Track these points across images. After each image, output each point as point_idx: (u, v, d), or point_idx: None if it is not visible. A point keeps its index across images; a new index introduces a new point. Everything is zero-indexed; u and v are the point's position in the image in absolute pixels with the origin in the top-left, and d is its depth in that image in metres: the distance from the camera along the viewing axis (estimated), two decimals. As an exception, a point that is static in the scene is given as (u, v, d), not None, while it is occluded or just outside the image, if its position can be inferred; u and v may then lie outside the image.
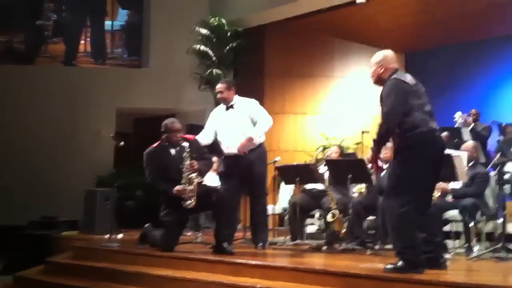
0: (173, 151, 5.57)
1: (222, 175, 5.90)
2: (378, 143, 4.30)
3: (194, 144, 5.60)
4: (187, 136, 5.71)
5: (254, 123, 5.72)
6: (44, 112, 10.42)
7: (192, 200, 5.36)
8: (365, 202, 6.13)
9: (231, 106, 5.81)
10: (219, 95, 5.83)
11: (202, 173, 5.57)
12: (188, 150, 5.41)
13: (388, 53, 4.46)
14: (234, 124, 5.71)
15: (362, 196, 6.32)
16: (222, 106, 5.92)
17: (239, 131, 5.68)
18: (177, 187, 5.37)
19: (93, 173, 9.83)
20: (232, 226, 5.84)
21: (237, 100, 5.85)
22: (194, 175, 5.39)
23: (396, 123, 4.14)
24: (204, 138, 5.85)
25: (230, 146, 5.70)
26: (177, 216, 5.47)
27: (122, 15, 11.62)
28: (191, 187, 5.37)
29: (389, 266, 4.16)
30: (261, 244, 5.74)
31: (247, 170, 5.68)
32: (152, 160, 5.56)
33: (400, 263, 4.13)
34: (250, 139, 5.60)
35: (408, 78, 4.26)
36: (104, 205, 8.11)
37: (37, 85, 10.53)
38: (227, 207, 5.52)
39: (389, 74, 4.38)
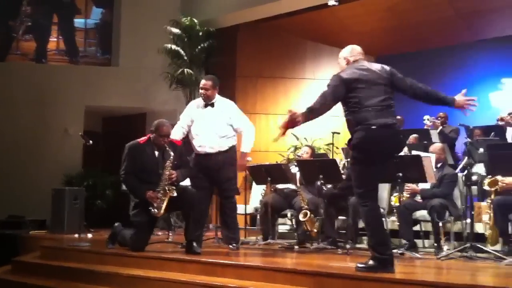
0: (156, 153, 5.46)
1: (192, 173, 5.76)
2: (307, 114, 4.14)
3: (179, 150, 5.50)
4: (175, 140, 5.57)
5: (230, 125, 5.71)
6: (11, 110, 10.22)
7: (160, 210, 5.28)
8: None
9: (212, 104, 5.74)
10: (202, 91, 5.70)
11: (178, 182, 5.48)
12: (172, 159, 5.32)
13: (350, 47, 4.44)
14: (211, 122, 5.66)
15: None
16: (200, 102, 5.81)
17: (215, 130, 5.65)
18: (151, 193, 5.29)
19: (61, 172, 9.69)
20: (202, 226, 5.79)
21: (218, 99, 5.79)
22: (171, 187, 5.31)
23: (318, 112, 4.14)
24: (176, 134, 5.73)
25: (202, 145, 5.65)
26: (147, 216, 5.39)
27: (96, 13, 11.46)
28: (163, 197, 5.29)
29: (360, 265, 4.17)
30: (234, 244, 5.72)
31: (216, 171, 5.65)
32: (132, 155, 5.42)
33: (371, 262, 4.13)
34: (244, 156, 5.83)
35: (355, 75, 4.17)
36: (72, 204, 8.00)
37: (4, 82, 10.32)
38: (197, 206, 5.47)
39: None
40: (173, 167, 5.36)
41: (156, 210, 5.29)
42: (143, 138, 5.53)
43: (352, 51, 4.40)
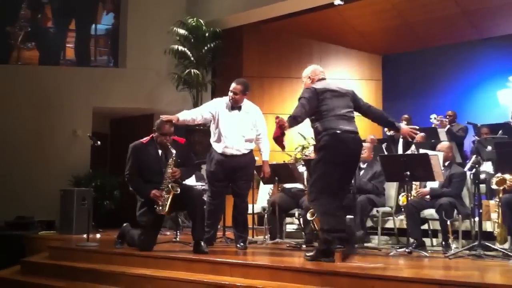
0: (160, 152, 5.47)
1: (213, 174, 5.78)
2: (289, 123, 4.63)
3: (182, 148, 5.51)
4: (178, 138, 5.57)
5: (254, 129, 5.80)
6: (19, 112, 10.26)
7: (165, 208, 5.29)
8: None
9: (239, 108, 5.77)
10: (231, 95, 5.71)
11: (182, 179, 5.49)
12: (174, 157, 5.32)
13: (312, 67, 5.09)
14: (239, 125, 5.70)
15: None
16: (227, 103, 5.78)
17: (242, 133, 5.72)
18: (155, 191, 5.29)
19: (69, 173, 9.71)
20: (216, 226, 5.87)
21: (245, 102, 5.83)
22: (174, 184, 5.32)
23: (300, 119, 4.68)
24: (189, 114, 5.69)
25: (229, 146, 5.66)
26: (153, 215, 5.40)
27: (108, 19, 11.43)
28: (168, 195, 5.29)
29: (307, 254, 4.67)
30: (241, 243, 5.75)
31: (238, 171, 5.70)
32: (136, 155, 5.43)
33: (312, 253, 4.66)
34: (267, 164, 5.99)
35: (325, 87, 4.78)
36: (81, 205, 8.04)
37: (12, 85, 10.37)
38: (201, 206, 5.49)
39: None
40: (176, 165, 5.36)
41: (161, 208, 5.29)
42: (146, 138, 5.54)
43: (315, 70, 5.03)
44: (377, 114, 5.02)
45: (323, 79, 4.97)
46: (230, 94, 5.73)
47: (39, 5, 11.25)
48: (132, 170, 5.43)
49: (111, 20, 11.34)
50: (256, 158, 6.63)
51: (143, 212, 5.43)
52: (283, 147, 4.77)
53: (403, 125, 5.15)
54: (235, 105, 5.76)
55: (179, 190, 5.28)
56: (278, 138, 4.68)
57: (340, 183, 4.75)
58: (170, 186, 5.29)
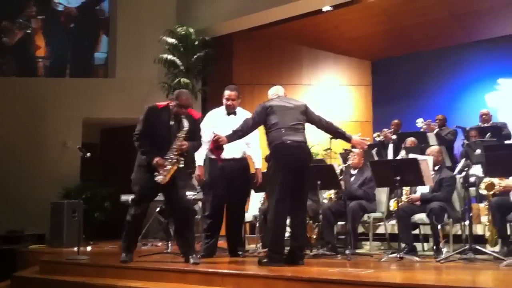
0: (172, 121, 5.37)
1: (212, 180, 5.78)
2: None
3: (194, 122, 5.39)
4: (193, 113, 5.47)
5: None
6: (8, 123, 10.21)
7: (165, 178, 5.19)
8: (334, 208, 6.19)
9: (234, 113, 5.85)
10: (229, 102, 5.82)
11: (189, 153, 5.43)
12: (186, 130, 5.23)
13: (273, 88, 5.57)
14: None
15: (331, 202, 6.38)
16: (221, 110, 5.90)
17: None
18: (159, 159, 5.18)
19: (59, 185, 9.66)
20: (216, 237, 5.87)
21: (238, 108, 5.92)
22: (180, 158, 5.23)
23: (240, 133, 5.24)
24: (202, 152, 5.77)
25: (228, 150, 5.61)
26: (147, 184, 5.28)
27: (105, 43, 11.49)
28: (171, 167, 5.20)
29: (263, 261, 4.99)
30: (240, 252, 5.79)
31: (238, 178, 5.74)
32: (149, 117, 5.36)
33: (265, 259, 4.98)
34: (259, 171, 6.00)
35: (273, 103, 5.25)
36: (71, 217, 7.98)
37: (0, 96, 10.32)
38: (192, 222, 5.51)
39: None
40: (186, 139, 5.29)
41: (160, 177, 5.19)
42: (162, 103, 5.47)
43: (277, 90, 5.52)
44: (328, 126, 5.36)
45: (279, 96, 5.42)
46: (227, 102, 5.84)
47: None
48: (142, 131, 5.33)
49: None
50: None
51: (137, 179, 5.34)
52: (219, 160, 5.47)
53: (354, 136, 5.39)
54: (230, 111, 5.85)
55: (183, 164, 5.25)
56: (213, 151, 5.42)
57: (290, 189, 5.03)
58: (175, 159, 5.21)
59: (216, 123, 5.81)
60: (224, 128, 5.63)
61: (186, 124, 5.24)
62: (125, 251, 5.45)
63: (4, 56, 11.19)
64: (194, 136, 5.41)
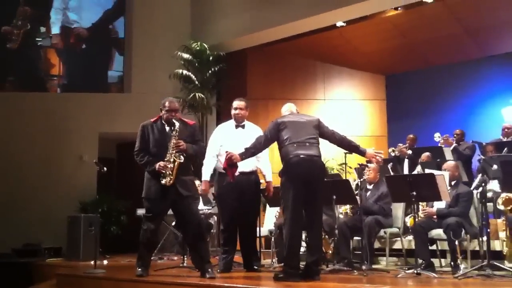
0: (167, 128, 5.48)
1: (222, 194, 5.81)
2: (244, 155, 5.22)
3: (190, 128, 5.53)
4: (187, 121, 5.59)
5: None
6: (25, 138, 10.34)
7: (171, 178, 5.26)
8: (350, 223, 6.17)
9: (242, 126, 5.89)
10: (237, 111, 5.86)
11: (186, 152, 5.43)
12: (177, 128, 5.33)
13: (286, 105, 5.65)
14: (243, 143, 5.62)
15: (347, 217, 6.37)
16: (230, 124, 5.95)
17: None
18: (159, 163, 5.29)
19: (76, 199, 9.74)
20: (233, 252, 5.89)
21: (246, 122, 5.96)
22: (178, 154, 5.31)
23: (253, 150, 5.28)
24: (209, 166, 5.82)
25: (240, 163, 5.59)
26: (157, 203, 5.36)
27: (119, 61, 11.65)
28: (172, 165, 5.28)
29: (279, 276, 4.99)
30: (256, 267, 5.79)
31: (249, 191, 5.75)
32: (144, 132, 5.52)
33: (281, 275, 4.98)
34: (271, 183, 5.99)
35: (285, 119, 5.28)
36: (88, 231, 8.03)
37: (18, 111, 10.46)
38: (204, 232, 5.52)
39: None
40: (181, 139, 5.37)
41: (166, 179, 5.27)
42: (154, 118, 5.62)
43: (289, 107, 5.58)
44: (341, 140, 5.34)
45: (292, 113, 5.50)
46: (236, 112, 5.87)
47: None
48: (140, 147, 5.49)
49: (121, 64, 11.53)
50: (262, 180, 6.67)
51: (146, 193, 5.41)
52: (232, 178, 5.37)
53: (368, 150, 5.34)
54: (239, 123, 5.88)
55: (183, 158, 5.30)
56: (226, 170, 5.33)
57: (304, 204, 5.04)
58: (174, 157, 5.29)
59: (224, 136, 5.85)
60: (232, 141, 5.71)
61: (176, 124, 5.36)
62: (140, 265, 5.48)
63: (12, 68, 11.31)
64: (192, 140, 5.50)
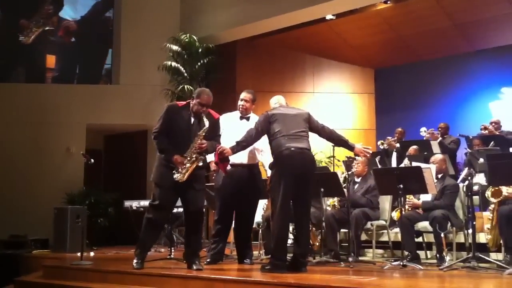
0: (192, 119, 5.32)
1: (221, 186, 5.77)
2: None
3: (213, 122, 5.36)
4: (213, 113, 5.43)
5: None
6: (12, 130, 10.26)
7: (184, 177, 5.12)
8: (337, 215, 6.20)
9: (247, 118, 5.82)
10: (242, 103, 5.78)
11: (208, 152, 5.36)
12: (206, 129, 5.18)
13: (274, 97, 5.61)
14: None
15: (335, 210, 6.39)
16: (235, 115, 5.88)
17: None
18: (178, 157, 5.13)
19: (62, 191, 9.68)
20: (224, 243, 5.87)
21: (252, 114, 5.88)
22: (199, 156, 5.18)
23: (244, 143, 5.26)
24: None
25: (239, 155, 5.57)
26: (168, 190, 5.24)
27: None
28: (189, 165, 5.14)
29: (266, 267, 5.00)
30: (248, 260, 5.77)
31: (250, 183, 5.71)
32: (169, 115, 5.30)
33: (268, 266, 5.00)
34: None
35: (276, 112, 5.28)
36: (75, 223, 8.00)
37: (4, 103, 10.37)
38: (200, 222, 5.46)
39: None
40: (205, 138, 5.24)
41: (179, 175, 5.12)
42: (183, 102, 5.45)
43: (278, 99, 5.55)
44: (330, 134, 5.36)
45: (281, 105, 5.47)
46: (241, 103, 5.80)
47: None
48: (161, 129, 5.29)
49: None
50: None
51: (157, 179, 5.30)
52: (224, 171, 5.41)
53: (357, 145, 5.35)
54: (244, 115, 5.81)
55: (202, 163, 5.22)
56: (218, 164, 5.33)
57: (293, 196, 5.05)
58: (194, 157, 5.16)
59: (228, 126, 5.76)
60: (235, 132, 5.61)
61: (206, 123, 5.21)
62: (138, 258, 5.37)
63: (16, 61, 11.23)
64: (213, 136, 5.36)
